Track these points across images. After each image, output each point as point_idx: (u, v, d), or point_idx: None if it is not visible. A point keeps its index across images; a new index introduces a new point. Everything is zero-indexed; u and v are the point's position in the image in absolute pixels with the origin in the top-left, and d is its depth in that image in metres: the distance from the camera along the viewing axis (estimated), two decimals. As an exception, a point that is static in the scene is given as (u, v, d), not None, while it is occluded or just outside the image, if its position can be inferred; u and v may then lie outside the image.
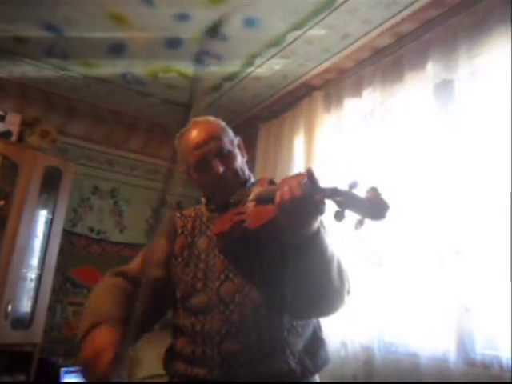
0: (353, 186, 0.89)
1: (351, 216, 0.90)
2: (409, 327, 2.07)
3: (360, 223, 0.88)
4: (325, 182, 0.95)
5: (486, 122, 1.92)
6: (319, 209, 0.96)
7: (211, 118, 1.37)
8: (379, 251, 2.25)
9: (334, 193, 0.91)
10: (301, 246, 1.02)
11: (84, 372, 1.06)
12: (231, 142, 1.33)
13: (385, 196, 0.87)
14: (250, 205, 1.15)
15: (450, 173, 1.97)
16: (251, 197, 1.18)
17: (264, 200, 1.13)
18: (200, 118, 1.37)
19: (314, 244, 1.02)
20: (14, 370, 2.81)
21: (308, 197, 0.94)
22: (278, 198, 0.97)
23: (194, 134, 1.30)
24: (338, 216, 0.90)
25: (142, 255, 1.37)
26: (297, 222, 0.98)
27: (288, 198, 0.95)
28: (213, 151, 1.26)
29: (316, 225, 1.01)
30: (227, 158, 1.28)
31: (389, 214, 0.87)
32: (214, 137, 1.29)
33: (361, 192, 0.89)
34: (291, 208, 0.95)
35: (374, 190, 0.88)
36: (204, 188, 1.32)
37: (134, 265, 1.35)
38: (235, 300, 1.16)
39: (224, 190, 1.26)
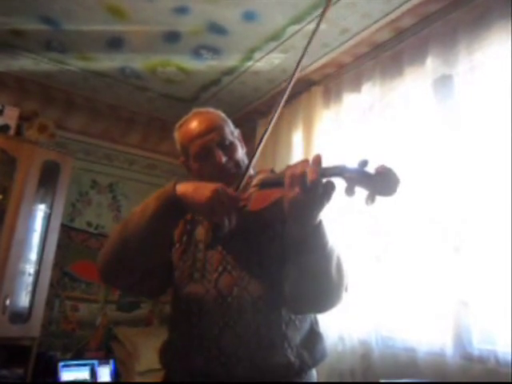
0: (362, 164, 0.90)
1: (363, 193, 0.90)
2: (406, 322, 2.07)
3: (371, 198, 0.88)
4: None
5: (486, 117, 1.92)
6: (327, 192, 0.95)
7: (212, 109, 1.36)
8: (378, 246, 2.25)
9: (343, 170, 0.92)
10: (302, 239, 1.02)
11: (215, 203, 1.04)
12: (232, 134, 1.32)
13: (396, 171, 0.87)
14: (253, 190, 1.15)
15: (449, 168, 1.97)
16: (254, 182, 1.17)
17: (268, 184, 1.12)
18: (201, 109, 1.36)
19: (314, 238, 1.02)
20: (12, 363, 2.82)
21: (320, 178, 0.94)
22: (288, 173, 0.97)
23: (196, 124, 1.28)
24: (349, 192, 0.90)
25: None
26: (303, 202, 0.95)
27: (297, 175, 0.94)
28: (215, 141, 1.25)
29: (318, 217, 1.01)
30: (229, 148, 1.27)
31: (399, 188, 0.87)
32: (217, 127, 1.28)
33: (371, 168, 0.89)
34: (299, 184, 0.94)
35: (384, 167, 0.88)
36: (204, 179, 1.29)
37: None
38: (233, 293, 1.15)
39: (225, 180, 1.23)
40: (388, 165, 0.88)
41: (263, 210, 1.09)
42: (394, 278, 2.17)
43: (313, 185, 0.93)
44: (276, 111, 1.19)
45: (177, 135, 1.34)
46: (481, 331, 1.78)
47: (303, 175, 0.94)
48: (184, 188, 1.10)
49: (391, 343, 2.13)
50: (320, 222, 1.02)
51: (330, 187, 0.95)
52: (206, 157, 1.25)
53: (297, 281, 1.08)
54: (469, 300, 1.82)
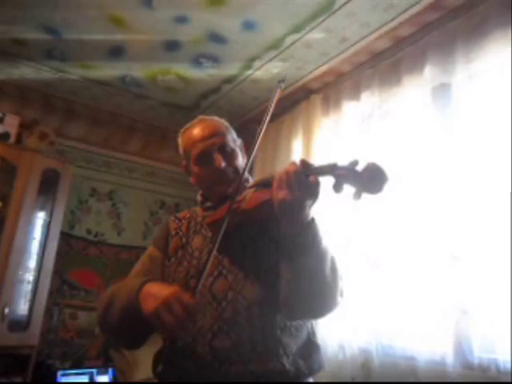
0: (353, 163, 0.93)
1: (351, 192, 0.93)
2: (407, 330, 2.06)
3: (358, 195, 0.90)
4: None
5: (484, 126, 1.93)
6: (313, 189, 0.99)
7: (216, 118, 1.40)
8: (377, 254, 2.25)
9: (333, 168, 0.95)
10: (294, 237, 1.03)
11: (162, 314, 1.01)
12: (234, 142, 1.36)
13: (384, 169, 0.89)
14: (249, 192, 1.17)
15: (447, 177, 1.98)
16: (250, 184, 1.20)
17: (263, 185, 1.15)
18: (205, 116, 1.40)
19: (307, 236, 1.03)
20: (10, 372, 2.80)
21: (301, 175, 0.98)
22: (276, 176, 1.02)
23: (199, 129, 1.33)
24: (336, 188, 0.93)
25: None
26: (290, 202, 0.99)
27: (283, 175, 1.00)
28: (216, 145, 1.29)
29: (309, 214, 1.03)
30: (230, 155, 1.31)
31: (386, 186, 0.88)
32: (219, 133, 1.32)
33: (360, 167, 0.92)
34: (285, 185, 0.98)
35: (373, 164, 0.91)
36: (203, 183, 1.33)
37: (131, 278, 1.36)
38: (228, 297, 1.16)
39: (223, 185, 1.27)
40: (377, 162, 0.90)
41: (253, 210, 1.12)
42: (394, 287, 2.16)
43: (295, 179, 0.97)
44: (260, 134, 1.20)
45: (180, 140, 1.39)
46: (481, 340, 1.77)
47: (287, 175, 0.99)
48: (144, 291, 1.11)
49: (391, 352, 2.12)
50: (312, 220, 1.04)
51: (315, 182, 0.98)
52: (206, 161, 1.29)
53: (290, 282, 1.08)
54: (469, 308, 1.81)
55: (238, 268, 1.19)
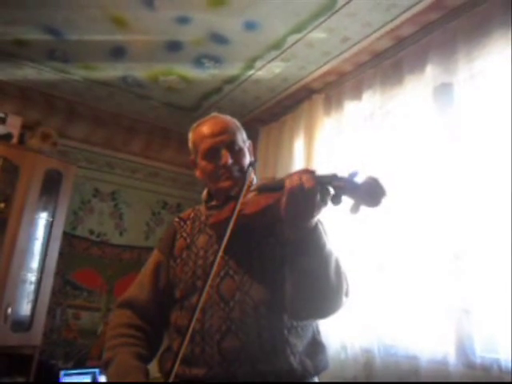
0: (352, 174, 0.93)
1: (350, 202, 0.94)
2: (409, 330, 2.06)
3: (356, 207, 0.90)
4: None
5: (486, 126, 1.92)
6: (324, 199, 0.99)
7: (229, 116, 1.41)
8: (380, 254, 2.25)
9: (332, 178, 0.95)
10: (298, 242, 1.03)
11: None
12: (244, 142, 1.37)
13: (382, 183, 0.89)
14: (251, 195, 1.17)
15: (449, 176, 1.98)
16: (253, 187, 1.20)
17: (266, 189, 1.15)
18: (218, 114, 1.42)
19: (311, 241, 1.03)
20: (13, 372, 2.81)
21: (316, 191, 0.97)
22: (287, 184, 1.00)
23: (210, 125, 1.34)
24: (335, 200, 0.94)
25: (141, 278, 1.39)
26: (301, 210, 0.99)
27: (297, 183, 0.98)
28: (225, 142, 1.30)
29: (315, 219, 1.03)
30: (237, 153, 1.31)
31: (384, 200, 0.89)
32: (229, 130, 1.33)
33: (359, 179, 0.91)
34: (299, 194, 0.97)
35: (372, 178, 0.90)
36: (208, 177, 1.34)
37: (137, 290, 1.36)
38: (235, 297, 1.16)
39: (227, 181, 1.28)
40: (376, 176, 0.90)
41: (255, 215, 1.12)
42: (396, 286, 2.16)
43: (310, 192, 0.96)
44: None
45: (191, 134, 1.40)
46: (483, 339, 1.77)
47: (301, 184, 0.97)
48: None
49: (393, 351, 2.12)
50: (316, 224, 1.04)
51: (326, 193, 0.98)
52: (214, 156, 1.30)
53: (295, 284, 1.09)
54: (471, 308, 1.81)
55: (245, 268, 1.20)
